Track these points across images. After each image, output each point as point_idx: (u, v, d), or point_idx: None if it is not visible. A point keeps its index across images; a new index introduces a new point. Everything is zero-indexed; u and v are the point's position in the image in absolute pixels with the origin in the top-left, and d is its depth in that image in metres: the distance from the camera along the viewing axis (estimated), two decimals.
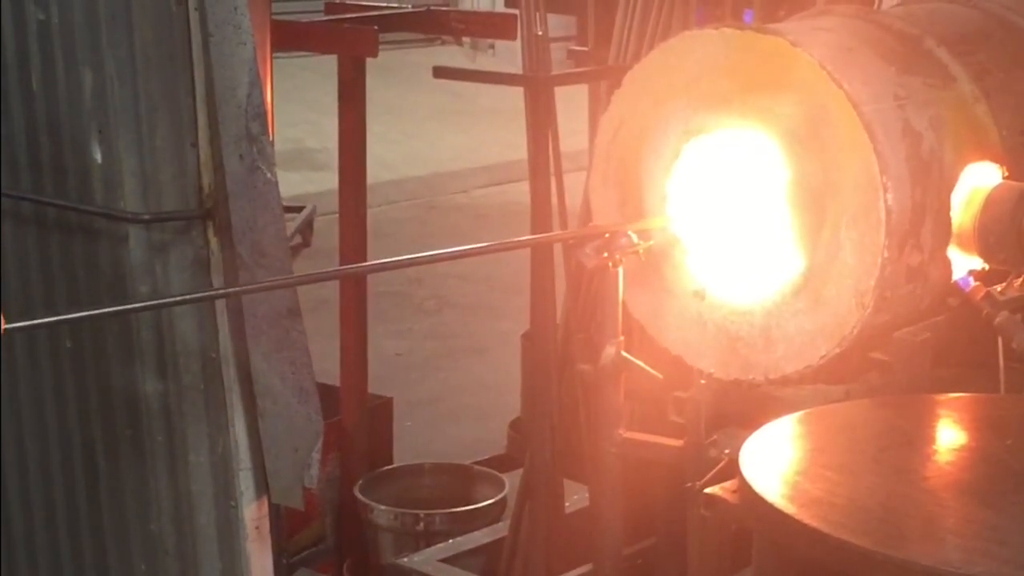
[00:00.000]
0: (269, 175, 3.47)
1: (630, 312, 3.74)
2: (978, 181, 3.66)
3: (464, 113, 12.85)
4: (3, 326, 2.86)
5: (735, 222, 3.60)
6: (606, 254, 3.55)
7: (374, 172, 5.93)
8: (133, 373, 3.71)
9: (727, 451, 3.36)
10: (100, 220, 3.68)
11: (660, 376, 3.69)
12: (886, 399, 3.48)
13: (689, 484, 3.37)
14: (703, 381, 3.57)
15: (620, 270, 3.58)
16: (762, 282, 3.56)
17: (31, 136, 3.76)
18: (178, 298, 3.55)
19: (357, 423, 5.23)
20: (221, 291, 3.55)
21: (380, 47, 4.87)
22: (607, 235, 3.57)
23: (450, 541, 4.90)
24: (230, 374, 3.62)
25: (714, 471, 3.31)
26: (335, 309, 5.22)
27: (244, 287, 3.49)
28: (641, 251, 3.59)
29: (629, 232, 3.58)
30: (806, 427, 3.24)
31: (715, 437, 3.48)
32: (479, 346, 7.95)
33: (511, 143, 8.94)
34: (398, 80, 12.57)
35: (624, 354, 3.65)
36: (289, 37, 5.11)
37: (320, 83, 10.26)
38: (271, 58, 4.00)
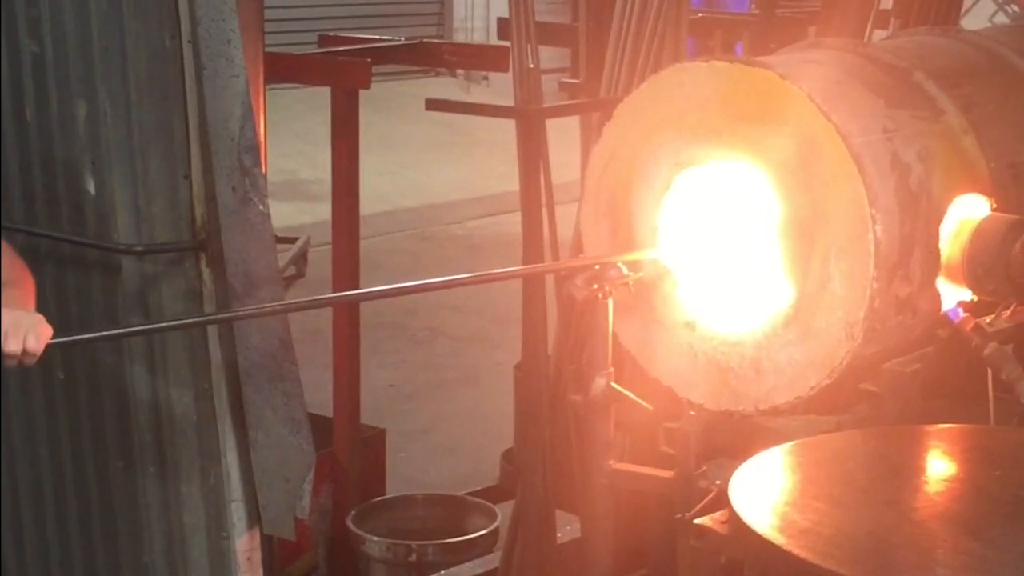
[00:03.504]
0: (261, 207, 3.49)
1: (621, 343, 3.75)
2: (966, 213, 3.67)
3: (458, 144, 12.85)
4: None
5: (725, 253, 3.62)
6: (596, 286, 3.55)
7: (368, 203, 5.94)
8: (125, 404, 3.71)
9: (717, 482, 3.36)
10: (93, 251, 3.70)
11: (650, 407, 3.70)
12: (876, 430, 3.48)
13: (679, 515, 3.37)
14: (693, 412, 3.57)
15: (610, 302, 3.59)
16: (752, 313, 3.57)
17: (25, 168, 3.77)
18: (172, 323, 3.56)
19: (350, 454, 5.22)
20: (213, 316, 3.56)
21: (374, 78, 4.88)
22: (597, 267, 3.58)
23: (442, 572, 4.90)
24: (222, 405, 3.63)
25: (704, 502, 3.31)
26: (328, 339, 5.22)
27: (235, 312, 3.49)
28: (631, 282, 3.59)
29: (619, 263, 3.59)
30: (796, 458, 3.25)
31: (705, 468, 3.48)
32: (472, 377, 7.94)
33: (505, 175, 8.92)
34: (392, 111, 12.56)
35: (614, 385, 3.65)
36: (283, 69, 5.13)
37: (314, 115, 10.27)
38: (264, 90, 4.01)
